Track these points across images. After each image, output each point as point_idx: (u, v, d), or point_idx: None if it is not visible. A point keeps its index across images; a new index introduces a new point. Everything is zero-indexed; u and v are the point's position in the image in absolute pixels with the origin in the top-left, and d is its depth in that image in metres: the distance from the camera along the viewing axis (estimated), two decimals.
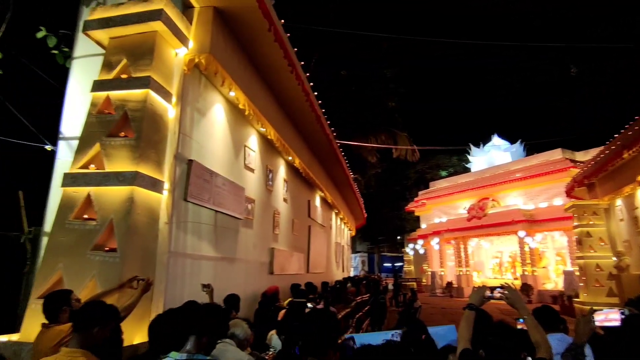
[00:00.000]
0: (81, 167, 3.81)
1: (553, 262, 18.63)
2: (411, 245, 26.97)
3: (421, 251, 25.37)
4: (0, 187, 7.36)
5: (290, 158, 8.28)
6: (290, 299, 5.60)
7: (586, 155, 17.01)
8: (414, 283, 21.59)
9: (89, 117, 4.04)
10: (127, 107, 3.97)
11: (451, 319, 10.60)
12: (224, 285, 4.89)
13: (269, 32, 5.06)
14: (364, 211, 20.60)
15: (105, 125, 3.95)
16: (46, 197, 4.49)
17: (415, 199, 26.74)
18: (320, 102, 8.14)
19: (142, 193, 3.76)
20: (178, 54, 4.59)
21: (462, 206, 22.39)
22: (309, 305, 4.63)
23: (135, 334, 3.34)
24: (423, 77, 35.73)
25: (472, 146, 25.03)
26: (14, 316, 4.40)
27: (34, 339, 2.46)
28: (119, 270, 3.35)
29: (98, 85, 4.11)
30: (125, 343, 2.79)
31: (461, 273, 20.68)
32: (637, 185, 9.15)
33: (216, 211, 5.08)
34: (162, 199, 4.07)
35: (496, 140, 24.37)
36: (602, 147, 10.05)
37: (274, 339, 3.70)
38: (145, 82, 3.98)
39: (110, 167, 3.76)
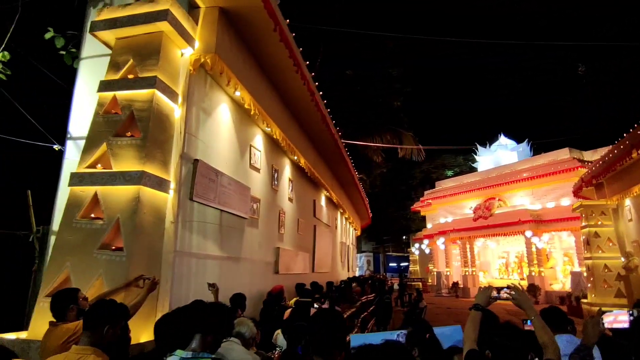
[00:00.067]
0: (88, 167, 3.85)
1: (560, 263, 18.43)
2: (417, 245, 26.84)
3: (427, 251, 25.25)
4: (9, 186, 7.46)
5: (295, 158, 8.29)
6: (296, 299, 5.61)
7: (594, 155, 16.83)
8: (420, 283, 21.51)
9: (96, 117, 4.07)
10: (133, 107, 4.00)
11: (457, 319, 10.54)
12: (230, 284, 4.91)
13: (275, 32, 5.06)
14: (370, 211, 20.56)
15: (111, 125, 3.98)
16: (54, 196, 4.54)
17: (421, 198, 26.58)
18: (325, 101, 8.14)
19: (149, 192, 3.79)
20: (184, 54, 4.61)
21: (468, 206, 22.25)
22: (315, 305, 4.63)
23: (141, 332, 3.36)
24: (429, 76, 35.66)
25: (478, 146, 24.83)
26: (23, 314, 4.46)
27: (42, 336, 2.48)
28: (126, 269, 3.38)
29: (105, 86, 4.14)
30: (132, 341, 2.81)
31: (467, 273, 20.54)
32: None
33: (222, 210, 5.10)
34: (168, 199, 4.10)
35: (503, 139, 24.12)
36: (610, 147, 9.93)
37: (280, 338, 3.70)
38: (151, 82, 4.01)
39: (117, 166, 3.79)
